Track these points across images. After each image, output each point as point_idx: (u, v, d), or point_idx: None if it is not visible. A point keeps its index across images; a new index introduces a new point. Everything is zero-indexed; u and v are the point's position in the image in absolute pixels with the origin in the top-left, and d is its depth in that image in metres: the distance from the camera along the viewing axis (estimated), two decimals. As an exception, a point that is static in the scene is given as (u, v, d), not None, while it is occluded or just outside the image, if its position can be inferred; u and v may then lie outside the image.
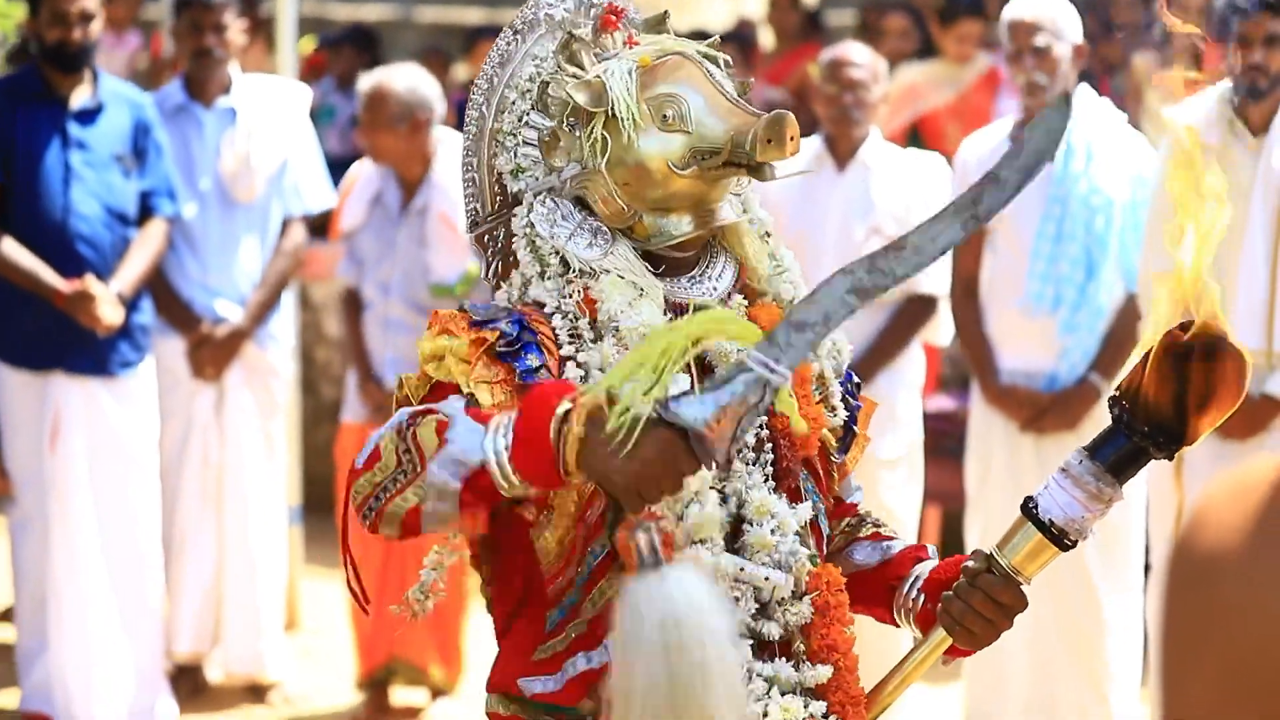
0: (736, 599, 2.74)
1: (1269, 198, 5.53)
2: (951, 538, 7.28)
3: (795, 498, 2.82)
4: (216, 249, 6.73)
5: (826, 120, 6.14)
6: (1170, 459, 2.68)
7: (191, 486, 6.76)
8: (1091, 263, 5.89)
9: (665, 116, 2.77)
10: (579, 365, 2.74)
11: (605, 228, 2.80)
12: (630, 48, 2.88)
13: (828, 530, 2.91)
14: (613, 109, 2.78)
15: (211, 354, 6.67)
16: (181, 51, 6.83)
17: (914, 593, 2.88)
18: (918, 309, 6.12)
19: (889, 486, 6.05)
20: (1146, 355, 2.64)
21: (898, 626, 2.92)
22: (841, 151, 6.15)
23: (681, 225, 2.79)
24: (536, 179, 2.84)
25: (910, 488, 6.16)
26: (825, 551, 2.89)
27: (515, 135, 2.86)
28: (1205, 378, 2.61)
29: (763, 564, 2.75)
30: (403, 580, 6.49)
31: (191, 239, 6.68)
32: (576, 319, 2.76)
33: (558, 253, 2.79)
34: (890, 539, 2.99)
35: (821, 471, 2.89)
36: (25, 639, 6.34)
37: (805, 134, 6.78)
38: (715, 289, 2.83)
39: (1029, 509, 2.74)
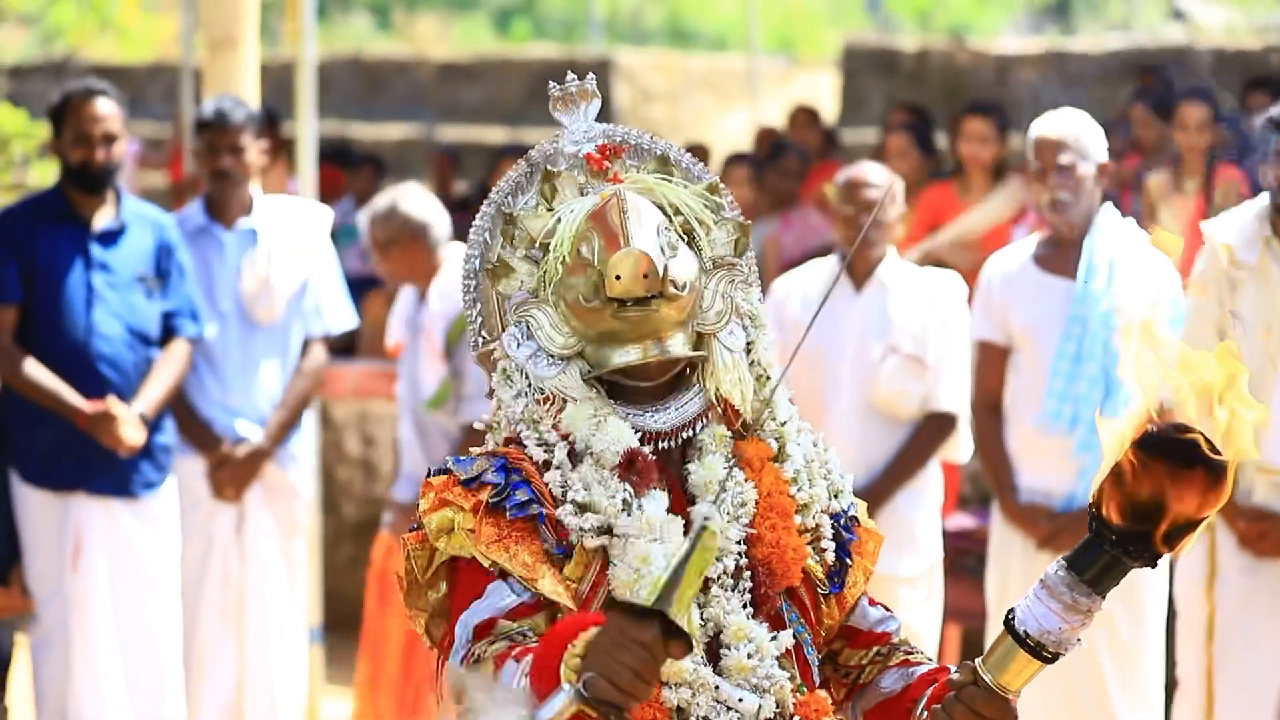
0: (715, 715, 2.80)
1: (1306, 315, 5.54)
2: (972, 656, 7.22)
3: (777, 624, 2.87)
4: (237, 369, 6.74)
5: (844, 240, 6.16)
6: (1153, 566, 2.64)
7: (212, 606, 6.74)
8: (1110, 382, 5.88)
9: (580, 252, 2.89)
10: (564, 494, 2.83)
11: (554, 354, 2.90)
12: (613, 184, 2.97)
13: (815, 659, 2.95)
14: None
15: (232, 474, 6.67)
16: (200, 172, 6.88)
17: (923, 712, 2.90)
18: (937, 426, 6.11)
19: (909, 605, 6.02)
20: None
21: None
22: (859, 271, 6.16)
23: (626, 355, 2.88)
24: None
25: (930, 606, 6.13)
26: (814, 681, 2.93)
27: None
28: (1163, 485, 2.56)
29: (739, 685, 2.81)
30: (418, 702, 6.49)
31: (212, 359, 6.70)
32: (551, 447, 2.86)
33: (521, 370, 2.90)
34: (917, 664, 3.01)
35: (809, 602, 2.93)
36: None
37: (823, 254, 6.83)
38: (677, 419, 2.90)
39: (1008, 620, 2.73)
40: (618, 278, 2.82)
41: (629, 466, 2.84)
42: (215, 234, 6.80)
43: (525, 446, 2.87)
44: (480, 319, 3.02)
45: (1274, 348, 5.57)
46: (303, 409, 6.84)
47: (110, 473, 6.21)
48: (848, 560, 2.99)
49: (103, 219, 6.31)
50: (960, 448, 6.21)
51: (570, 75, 3.09)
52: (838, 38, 17.48)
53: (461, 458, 2.87)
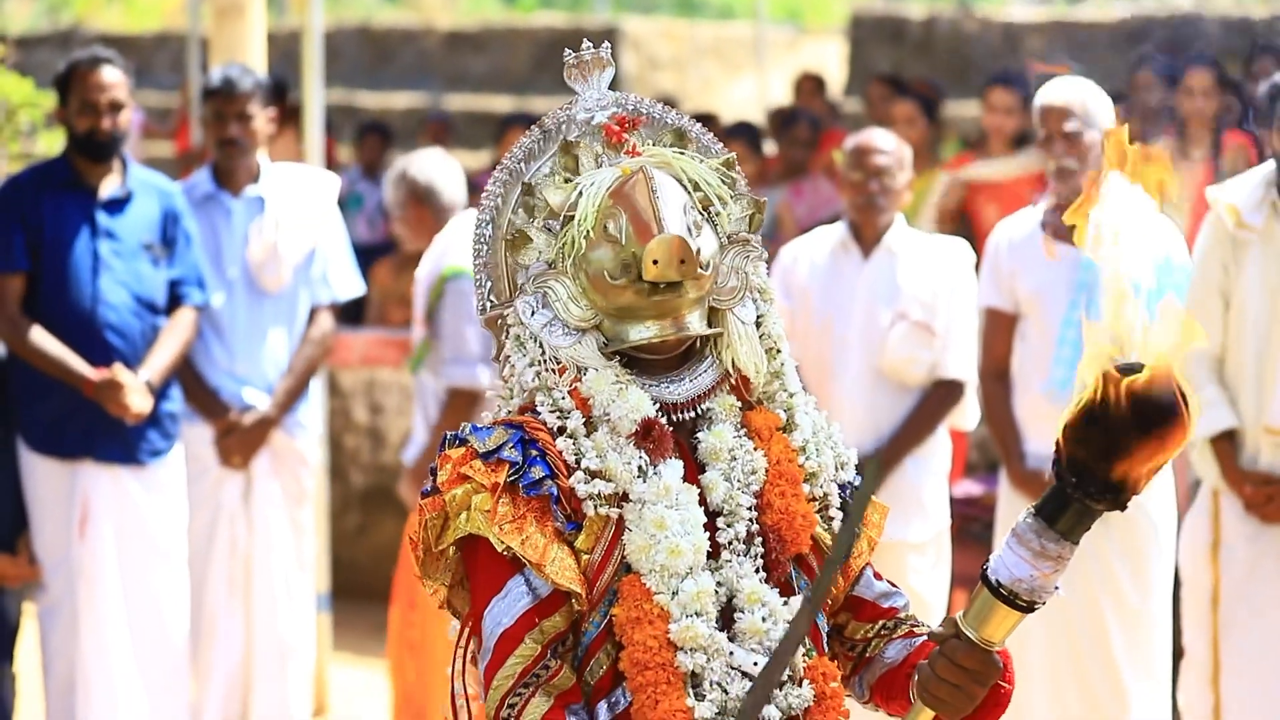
0: (729, 680, 2.83)
1: (1312, 279, 5.54)
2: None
3: (786, 591, 2.90)
4: (244, 337, 6.75)
5: (851, 207, 6.16)
6: (1121, 509, 2.63)
7: (219, 574, 6.75)
8: (1117, 349, 5.87)
9: (606, 229, 2.90)
10: (577, 462, 2.85)
11: (571, 325, 2.92)
12: (633, 157, 2.98)
13: (825, 625, 2.99)
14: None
15: (239, 442, 6.68)
16: (208, 140, 6.87)
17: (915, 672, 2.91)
18: (945, 394, 6.12)
19: (916, 571, 6.04)
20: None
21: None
22: (867, 238, 6.16)
23: (642, 331, 2.91)
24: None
25: (938, 572, 6.14)
26: (824, 647, 2.96)
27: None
28: (1121, 428, 2.56)
29: (752, 650, 2.84)
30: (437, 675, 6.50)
31: (219, 327, 6.71)
32: (566, 414, 2.88)
33: (535, 339, 2.92)
34: (920, 635, 3.03)
35: (817, 569, 2.95)
36: (55, 724, 6.35)
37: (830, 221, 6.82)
38: (691, 390, 2.93)
39: (983, 572, 2.74)
40: (655, 262, 2.84)
41: (645, 435, 2.87)
42: (222, 202, 6.80)
43: (540, 413, 2.89)
44: (490, 283, 3.02)
45: (1279, 310, 5.57)
46: (310, 376, 6.85)
47: (117, 440, 6.23)
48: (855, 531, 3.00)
49: (109, 187, 6.31)
50: (968, 414, 6.21)
51: (586, 43, 3.11)
52: (845, 6, 17.45)
53: (479, 426, 2.89)
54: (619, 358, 2.93)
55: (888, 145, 6.11)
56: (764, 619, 2.85)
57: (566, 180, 2.96)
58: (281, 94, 6.82)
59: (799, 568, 2.94)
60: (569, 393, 2.89)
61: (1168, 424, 2.55)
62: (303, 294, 6.87)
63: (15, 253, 6.18)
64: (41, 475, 6.25)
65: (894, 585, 3.11)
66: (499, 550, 2.81)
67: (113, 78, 6.26)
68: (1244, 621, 5.63)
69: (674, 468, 2.87)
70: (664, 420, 2.90)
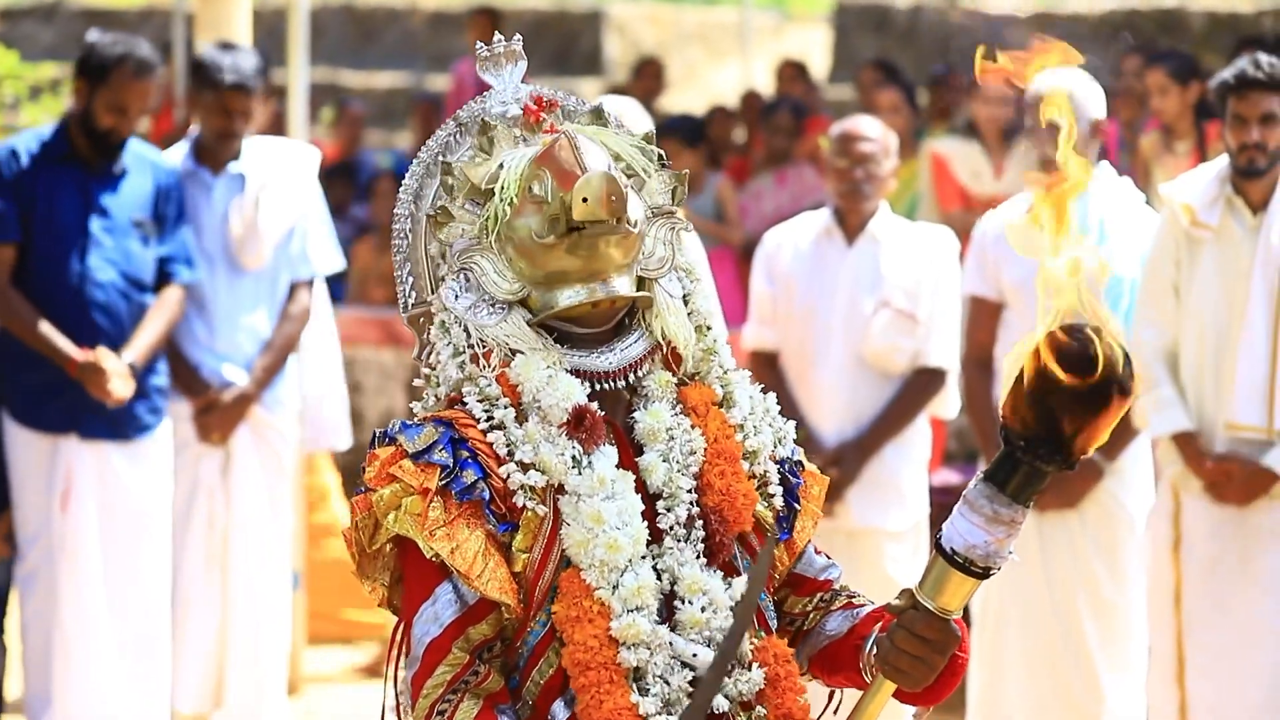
0: (670, 672, 2.82)
1: (1269, 276, 5.55)
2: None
3: (731, 572, 2.89)
4: (224, 314, 6.70)
5: (836, 194, 6.16)
6: (1070, 469, 2.65)
7: (197, 548, 6.73)
8: (1098, 340, 5.87)
9: (531, 190, 2.89)
10: (509, 454, 2.83)
11: (499, 301, 2.89)
12: (551, 134, 2.97)
13: (770, 605, 2.98)
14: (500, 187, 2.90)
15: (218, 418, 6.65)
16: (204, 124, 6.76)
17: (871, 646, 2.91)
18: (925, 381, 6.12)
19: (894, 560, 6.04)
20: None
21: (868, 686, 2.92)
22: (851, 225, 6.16)
23: (574, 296, 2.88)
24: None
25: (916, 561, 6.14)
26: (772, 624, 2.96)
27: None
28: (1060, 389, 2.57)
29: (692, 640, 2.83)
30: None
31: (200, 303, 6.65)
32: (494, 404, 2.85)
33: (461, 323, 2.89)
34: (861, 605, 3.03)
35: (760, 548, 2.93)
36: (32, 693, 6.33)
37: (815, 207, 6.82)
38: (621, 359, 2.91)
39: (936, 540, 2.74)
40: (584, 200, 2.82)
41: (577, 424, 2.84)
42: (203, 178, 6.73)
43: (467, 404, 2.87)
44: (411, 279, 3.02)
45: (1237, 308, 5.58)
46: (289, 352, 6.82)
47: (103, 417, 6.21)
48: (795, 505, 3.00)
49: (104, 162, 6.29)
50: (949, 403, 6.22)
51: (497, 37, 3.11)
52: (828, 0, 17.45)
53: (408, 424, 2.86)
54: (549, 332, 2.91)
55: (873, 132, 6.10)
56: (703, 609, 2.84)
57: (487, 157, 2.96)
58: (264, 72, 6.77)
59: (742, 546, 2.93)
60: (496, 378, 2.87)
61: (1093, 375, 2.55)
62: (283, 271, 6.82)
63: (7, 223, 6.16)
64: (23, 446, 6.24)
65: (830, 558, 3.10)
66: (428, 556, 2.80)
67: (149, 89, 6.29)
68: (1207, 618, 5.64)
69: (608, 456, 2.85)
70: (595, 394, 2.88)
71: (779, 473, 2.99)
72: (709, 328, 3.00)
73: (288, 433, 6.89)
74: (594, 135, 2.98)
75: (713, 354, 2.99)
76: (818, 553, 3.08)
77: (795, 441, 3.04)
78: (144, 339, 6.25)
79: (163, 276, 6.38)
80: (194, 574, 6.73)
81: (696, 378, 2.98)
